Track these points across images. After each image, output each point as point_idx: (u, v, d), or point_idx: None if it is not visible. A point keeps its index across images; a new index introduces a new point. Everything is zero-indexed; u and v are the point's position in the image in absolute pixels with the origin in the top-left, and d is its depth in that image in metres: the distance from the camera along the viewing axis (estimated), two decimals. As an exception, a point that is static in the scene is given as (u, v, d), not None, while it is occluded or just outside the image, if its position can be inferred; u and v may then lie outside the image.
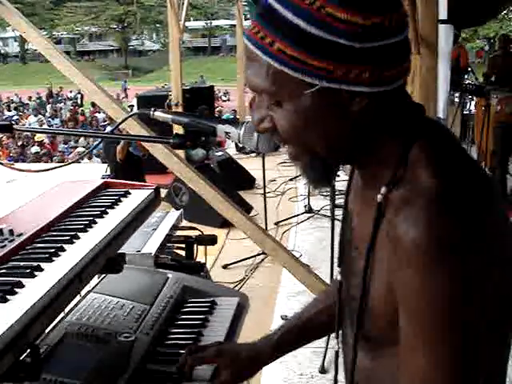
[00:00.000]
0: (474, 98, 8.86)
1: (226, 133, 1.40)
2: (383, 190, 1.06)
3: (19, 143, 17.83)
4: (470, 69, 9.36)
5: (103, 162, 15.00)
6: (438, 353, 0.98)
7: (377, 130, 1.07)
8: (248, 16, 16.05)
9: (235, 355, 1.55)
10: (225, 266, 5.54)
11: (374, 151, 1.09)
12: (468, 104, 9.28)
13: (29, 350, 1.33)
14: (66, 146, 18.06)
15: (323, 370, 3.75)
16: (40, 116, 25.23)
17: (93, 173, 9.64)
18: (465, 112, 9.33)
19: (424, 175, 1.02)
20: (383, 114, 1.06)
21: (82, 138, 18.06)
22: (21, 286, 1.34)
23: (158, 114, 1.53)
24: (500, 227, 1.03)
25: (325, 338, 3.77)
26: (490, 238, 0.99)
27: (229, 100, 31.93)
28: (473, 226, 0.97)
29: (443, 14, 4.45)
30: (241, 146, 1.41)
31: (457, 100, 9.25)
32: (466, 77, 9.44)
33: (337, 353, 1.37)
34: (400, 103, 1.09)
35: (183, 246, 3.01)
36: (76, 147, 17.46)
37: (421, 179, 1.02)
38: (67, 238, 1.61)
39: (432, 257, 0.95)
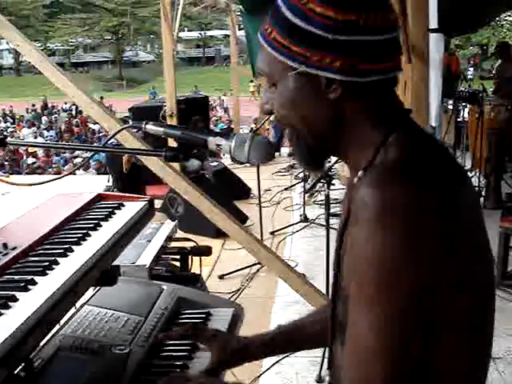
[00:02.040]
0: (468, 106, 8.88)
1: (218, 145, 1.41)
2: (360, 173, 1.15)
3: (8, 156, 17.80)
4: (462, 76, 9.38)
5: (98, 174, 15.00)
6: (372, 312, 1.03)
7: (358, 120, 1.17)
8: (241, 26, 16.09)
9: (226, 343, 1.62)
10: (221, 277, 5.54)
11: (356, 139, 1.18)
12: (462, 111, 9.30)
13: (23, 364, 1.33)
14: (58, 158, 17.98)
15: (320, 380, 3.74)
16: (34, 128, 25.21)
17: (89, 184, 9.66)
18: (459, 119, 9.35)
19: (393, 154, 1.12)
20: (365, 105, 1.16)
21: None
22: (15, 299, 1.34)
23: (150, 127, 1.53)
24: (459, 212, 1.07)
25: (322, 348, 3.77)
26: (443, 215, 1.04)
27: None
28: (424, 198, 1.03)
29: (433, 22, 4.48)
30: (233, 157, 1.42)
31: (450, 107, 9.29)
32: (459, 84, 9.47)
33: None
34: (384, 99, 1.18)
35: (178, 257, 3.02)
36: (75, 157, 17.43)
37: (389, 157, 1.12)
38: (61, 251, 1.61)
39: (377, 214, 1.02)
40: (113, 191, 7.31)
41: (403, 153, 1.11)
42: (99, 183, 9.20)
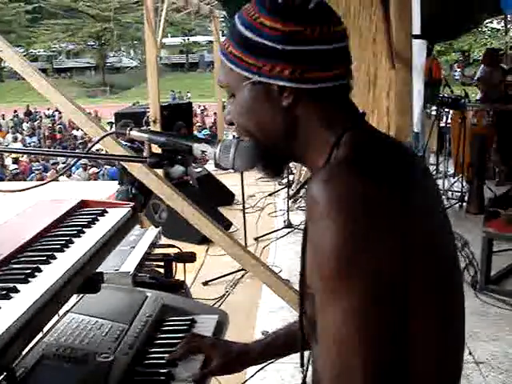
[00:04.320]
0: (451, 111, 8.93)
1: (203, 151, 1.40)
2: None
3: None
4: (445, 82, 9.43)
5: (90, 179, 14.98)
6: (340, 301, 1.06)
7: (312, 124, 1.24)
8: (225, 32, 16.11)
9: (227, 350, 1.69)
10: (205, 283, 5.52)
11: (311, 142, 1.25)
12: (445, 117, 9.36)
13: (5, 374, 1.31)
14: (37, 164, 17.82)
15: (305, 386, 3.73)
16: (18, 134, 25.08)
17: (73, 191, 9.63)
18: (441, 125, 9.41)
19: (343, 152, 1.19)
20: (317, 111, 1.23)
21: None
22: (-4, 308, 1.33)
23: (135, 134, 1.52)
24: (404, 202, 1.11)
25: (307, 354, 3.75)
26: (388, 204, 1.09)
27: (207, 116, 31.97)
28: (369, 189, 1.08)
29: (417, 28, 4.50)
30: (218, 163, 1.42)
31: (433, 113, 9.34)
32: (441, 89, 9.52)
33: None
34: (336, 103, 1.25)
35: (162, 263, 3.00)
36: (56, 163, 17.35)
37: (339, 155, 1.19)
38: (44, 258, 1.60)
39: (326, 209, 1.07)
40: (131, 194, 7.33)
41: (352, 150, 1.18)
42: (106, 189, 9.22)
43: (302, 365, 1.42)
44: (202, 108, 33.10)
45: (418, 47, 4.61)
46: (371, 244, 1.06)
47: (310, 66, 1.19)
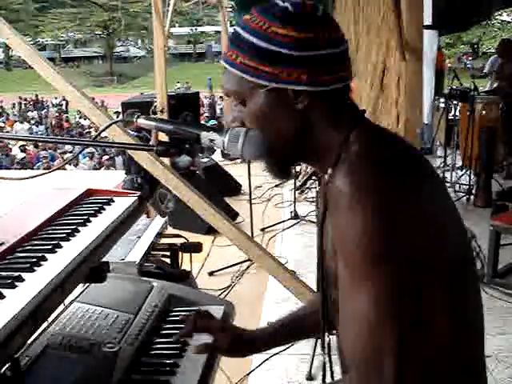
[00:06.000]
0: (459, 104, 8.87)
1: (211, 140, 1.39)
2: (329, 170, 1.29)
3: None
4: (454, 74, 9.36)
5: (95, 169, 14.99)
6: (369, 287, 1.12)
7: (322, 125, 1.30)
8: (233, 22, 16.06)
9: (236, 334, 1.70)
10: (211, 273, 5.51)
11: (321, 143, 1.31)
12: (453, 109, 9.29)
13: (9, 363, 1.30)
14: (45, 153, 17.80)
15: (310, 377, 3.72)
16: (26, 123, 25.11)
17: (80, 180, 9.64)
18: (450, 117, 9.34)
19: (356, 148, 1.26)
20: (327, 111, 1.30)
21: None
22: (1, 296, 1.32)
23: (142, 121, 1.51)
24: (420, 188, 1.21)
25: (311, 346, 3.76)
26: (405, 194, 1.17)
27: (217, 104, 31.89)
28: (389, 179, 1.17)
29: (428, 19, 4.45)
30: (226, 152, 1.41)
31: (442, 105, 9.27)
32: (445, 81, 9.45)
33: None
34: (341, 104, 1.33)
35: (168, 253, 2.99)
36: (64, 152, 17.37)
37: (353, 150, 1.26)
38: (49, 247, 1.59)
39: (353, 199, 1.15)
40: (136, 183, 7.36)
41: (364, 145, 1.26)
42: (113, 178, 9.22)
43: (323, 347, 1.51)
44: (209, 99, 33.07)
45: (429, 39, 4.57)
46: (397, 231, 1.12)
47: (323, 70, 1.26)
